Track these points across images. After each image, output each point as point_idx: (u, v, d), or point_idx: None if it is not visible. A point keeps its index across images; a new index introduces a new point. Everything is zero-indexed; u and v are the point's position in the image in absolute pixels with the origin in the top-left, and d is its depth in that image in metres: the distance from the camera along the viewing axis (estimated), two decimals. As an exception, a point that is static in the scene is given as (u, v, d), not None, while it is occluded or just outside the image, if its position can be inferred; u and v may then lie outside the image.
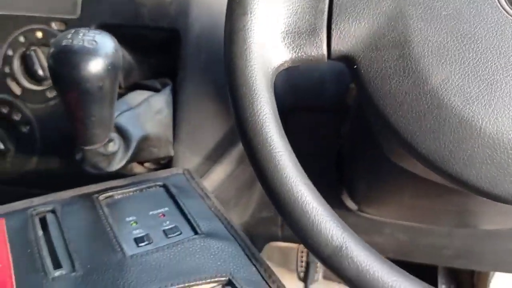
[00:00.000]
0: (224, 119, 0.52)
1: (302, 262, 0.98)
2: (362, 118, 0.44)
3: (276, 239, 0.68)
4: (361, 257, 0.29)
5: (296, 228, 0.30)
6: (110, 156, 0.41)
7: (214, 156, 0.52)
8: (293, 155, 0.31)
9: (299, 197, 0.30)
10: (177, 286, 0.34)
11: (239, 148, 0.52)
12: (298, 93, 0.52)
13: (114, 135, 0.41)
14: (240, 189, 0.56)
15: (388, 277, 0.28)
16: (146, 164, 0.51)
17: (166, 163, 0.51)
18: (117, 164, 0.42)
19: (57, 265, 0.36)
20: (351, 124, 0.45)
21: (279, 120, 0.31)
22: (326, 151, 0.54)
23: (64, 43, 0.36)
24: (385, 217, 0.58)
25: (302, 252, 0.98)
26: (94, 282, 0.34)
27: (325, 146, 0.52)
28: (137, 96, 0.50)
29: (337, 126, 0.48)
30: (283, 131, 0.31)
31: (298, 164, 0.31)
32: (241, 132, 0.31)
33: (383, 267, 0.29)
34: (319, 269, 0.96)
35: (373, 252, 0.29)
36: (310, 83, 0.52)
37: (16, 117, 0.53)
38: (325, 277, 0.98)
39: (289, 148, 0.31)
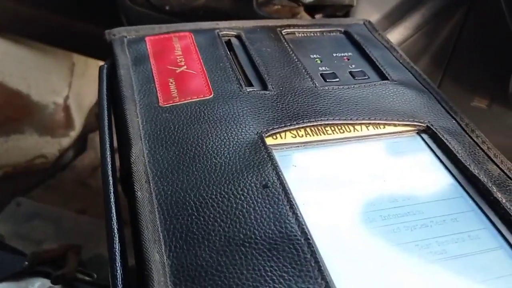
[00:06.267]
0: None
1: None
2: None
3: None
4: None
5: None
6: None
7: (394, 16, 0.48)
8: None
9: None
10: (374, 121, 0.33)
11: (420, 14, 0.47)
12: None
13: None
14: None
15: None
16: (317, 16, 0.48)
17: (342, 16, 0.48)
18: (310, -4, 0.40)
19: (248, 83, 0.36)
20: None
21: None
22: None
23: None
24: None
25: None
26: (289, 102, 0.33)
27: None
28: None
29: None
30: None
31: None
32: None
33: None
34: None
35: None
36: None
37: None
38: None
39: None
